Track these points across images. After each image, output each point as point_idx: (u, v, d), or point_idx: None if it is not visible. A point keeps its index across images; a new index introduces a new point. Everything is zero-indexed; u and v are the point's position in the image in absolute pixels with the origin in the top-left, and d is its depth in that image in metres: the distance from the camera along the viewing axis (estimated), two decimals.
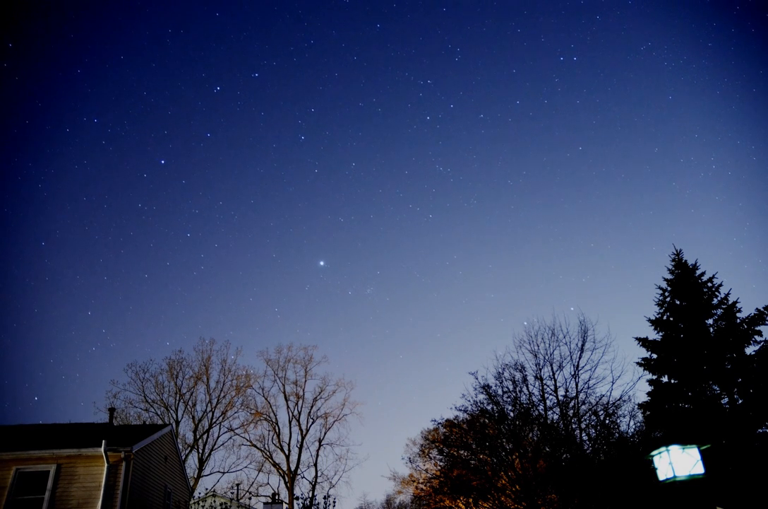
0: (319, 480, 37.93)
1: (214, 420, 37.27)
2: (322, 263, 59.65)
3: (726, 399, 17.28)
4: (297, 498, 27.61)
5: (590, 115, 56.51)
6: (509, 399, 19.70)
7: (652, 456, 8.47)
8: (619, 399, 18.84)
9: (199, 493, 32.85)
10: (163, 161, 55.02)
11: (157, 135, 58.13)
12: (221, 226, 60.02)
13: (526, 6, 53.43)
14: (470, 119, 59.01)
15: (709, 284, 19.16)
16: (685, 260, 20.02)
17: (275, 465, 37.64)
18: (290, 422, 39.16)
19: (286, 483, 37.13)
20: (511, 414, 19.55)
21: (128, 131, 55.43)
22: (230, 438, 37.74)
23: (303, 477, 37.85)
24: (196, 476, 34.92)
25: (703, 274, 19.48)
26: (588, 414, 19.04)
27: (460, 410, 20.74)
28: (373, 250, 65.43)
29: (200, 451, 36.17)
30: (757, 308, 17.95)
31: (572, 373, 19.41)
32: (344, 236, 64.05)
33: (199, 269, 59.50)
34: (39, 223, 52.41)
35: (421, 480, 30.90)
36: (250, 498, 37.07)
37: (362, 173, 62.47)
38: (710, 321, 18.57)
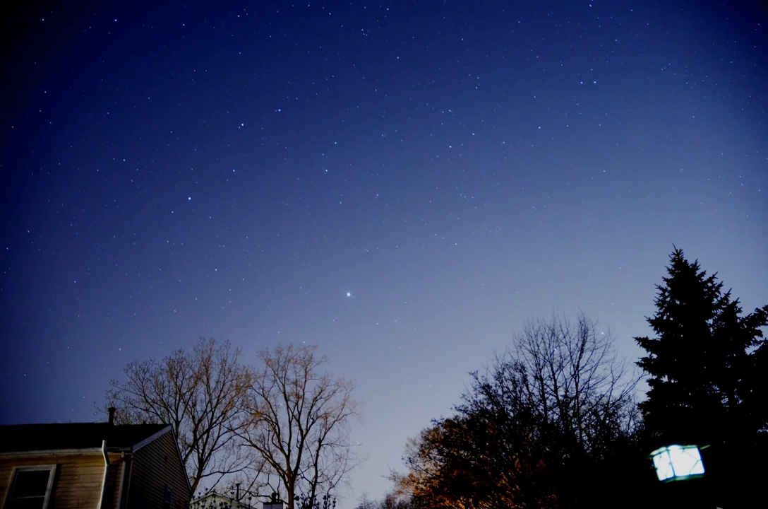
0: (319, 480, 37.98)
1: (214, 420, 37.30)
2: (348, 294, 59.87)
3: (726, 399, 17.27)
4: (297, 498, 27.62)
5: (613, 138, 56.14)
6: (509, 399, 19.72)
7: (652, 456, 8.47)
8: (619, 399, 18.87)
9: (199, 493, 32.86)
10: (189, 198, 56.73)
11: (183, 172, 59.06)
12: (248, 260, 60.35)
13: (544, 32, 53.45)
14: (492, 146, 58.89)
15: (709, 284, 19.15)
16: (685, 260, 20.01)
17: (275, 465, 37.65)
18: (290, 422, 39.21)
19: (286, 483, 37.14)
20: (511, 414, 19.55)
21: (155, 169, 56.96)
22: (230, 438, 37.80)
23: (303, 477, 37.90)
24: (196, 476, 34.92)
25: (703, 274, 19.47)
26: (588, 414, 19.04)
27: (460, 410, 20.76)
28: (400, 280, 65.77)
29: (200, 451, 36.20)
30: (757, 308, 17.96)
31: (572, 373, 19.44)
32: (370, 267, 64.28)
33: (227, 303, 60.28)
34: (71, 261, 54.20)
35: (421, 480, 30.93)
36: (250, 498, 37.08)
37: (386, 204, 62.24)
38: (710, 321, 18.56)
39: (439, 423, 23.91)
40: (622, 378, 41.99)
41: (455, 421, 24.92)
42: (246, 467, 37.68)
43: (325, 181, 60.90)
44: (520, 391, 19.72)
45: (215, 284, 60.66)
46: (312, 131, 60.76)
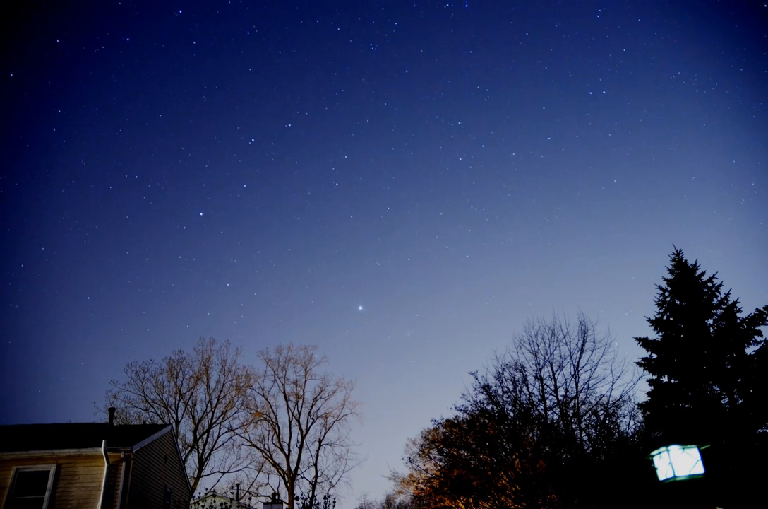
0: (319, 480, 37.97)
1: (214, 420, 37.30)
2: (360, 307, 60.15)
3: (726, 399, 17.27)
4: (297, 498, 27.65)
5: (623, 148, 55.90)
6: (509, 399, 19.73)
7: (652, 456, 8.47)
8: (619, 399, 18.88)
9: (199, 493, 32.86)
10: (201, 213, 56.94)
11: (195, 188, 59.44)
12: (259, 275, 60.56)
13: (552, 43, 53.49)
14: (502, 158, 58.97)
15: (709, 284, 19.15)
16: (685, 261, 20.01)
17: (275, 465, 37.65)
18: (290, 422, 39.20)
19: (286, 483, 37.14)
20: (511, 414, 19.56)
21: (167, 185, 57.41)
22: (230, 438, 37.79)
23: (303, 477, 37.89)
24: (196, 476, 34.92)
25: (703, 274, 19.46)
26: (588, 414, 19.04)
27: (460, 410, 20.76)
28: (411, 293, 65.81)
29: (200, 451, 36.19)
30: (757, 308, 17.95)
31: (572, 373, 19.44)
32: (382, 280, 64.53)
33: (240, 318, 60.15)
34: (84, 278, 54.84)
35: (421, 480, 30.92)
36: (250, 498, 37.08)
37: (397, 217, 62.59)
38: (710, 321, 18.56)
39: (439, 423, 23.92)
40: (622, 378, 42.05)
41: (455, 421, 24.92)
42: (246, 467, 37.73)
43: (336, 195, 61.36)
44: (520, 391, 19.74)
45: (227, 299, 61.01)
46: (322, 145, 61.27)
